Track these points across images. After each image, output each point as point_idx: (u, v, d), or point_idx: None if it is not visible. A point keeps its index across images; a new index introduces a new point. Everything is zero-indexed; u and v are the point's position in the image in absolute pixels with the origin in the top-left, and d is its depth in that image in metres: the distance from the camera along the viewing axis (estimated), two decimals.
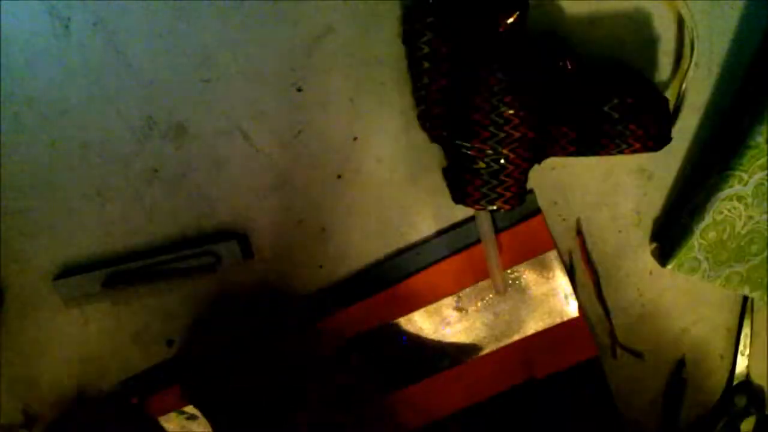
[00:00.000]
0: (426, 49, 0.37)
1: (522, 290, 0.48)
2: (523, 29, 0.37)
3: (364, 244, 0.46)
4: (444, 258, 0.46)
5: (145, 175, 0.42)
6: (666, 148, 0.44)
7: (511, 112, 0.37)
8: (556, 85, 0.38)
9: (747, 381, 0.53)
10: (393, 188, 0.44)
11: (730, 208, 0.42)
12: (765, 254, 0.44)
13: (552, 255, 0.46)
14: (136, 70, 0.39)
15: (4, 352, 0.46)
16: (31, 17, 0.37)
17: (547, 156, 0.40)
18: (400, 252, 0.46)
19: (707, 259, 0.44)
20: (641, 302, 0.49)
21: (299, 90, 0.41)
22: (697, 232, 0.43)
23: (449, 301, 0.47)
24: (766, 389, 0.54)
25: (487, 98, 0.37)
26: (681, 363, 0.52)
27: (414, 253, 0.46)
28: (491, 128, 0.37)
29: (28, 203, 0.42)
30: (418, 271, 0.46)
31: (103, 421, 0.47)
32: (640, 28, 0.41)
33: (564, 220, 0.46)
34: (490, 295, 0.47)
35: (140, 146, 0.41)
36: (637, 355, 0.51)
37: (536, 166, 0.42)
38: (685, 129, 0.44)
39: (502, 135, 0.37)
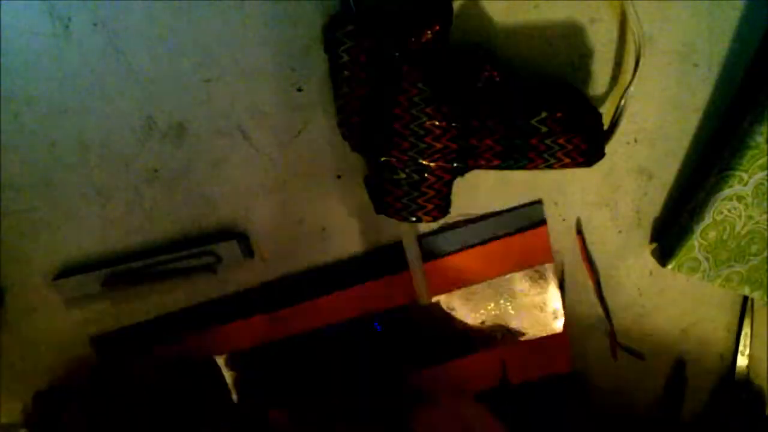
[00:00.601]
0: (345, 58, 0.37)
1: (513, 298, 0.48)
2: (446, 40, 0.36)
3: (364, 243, 0.46)
4: (440, 257, 0.46)
5: (145, 175, 0.42)
6: (666, 148, 0.44)
7: (433, 122, 0.36)
8: (482, 97, 0.37)
9: (747, 381, 0.53)
10: None
11: (730, 208, 0.42)
12: (765, 254, 0.44)
13: (549, 268, 0.47)
14: (136, 70, 0.39)
15: (4, 351, 0.46)
16: (31, 17, 0.37)
17: (470, 168, 0.39)
18: (395, 244, 0.45)
19: (707, 259, 0.44)
20: (641, 302, 0.49)
21: (299, 90, 0.41)
22: (697, 232, 0.43)
23: (440, 299, 0.47)
24: (766, 389, 0.54)
25: (407, 108, 0.36)
26: (681, 363, 0.52)
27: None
28: (411, 139, 0.37)
29: (28, 203, 0.42)
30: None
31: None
32: (583, 36, 0.40)
33: (564, 220, 0.46)
34: (477, 295, 0.47)
35: (140, 146, 0.41)
36: (638, 355, 0.51)
37: None
38: (685, 129, 0.44)
39: (423, 146, 0.37)
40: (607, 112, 0.41)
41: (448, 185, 0.39)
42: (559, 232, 0.46)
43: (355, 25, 0.36)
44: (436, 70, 0.36)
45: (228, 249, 0.43)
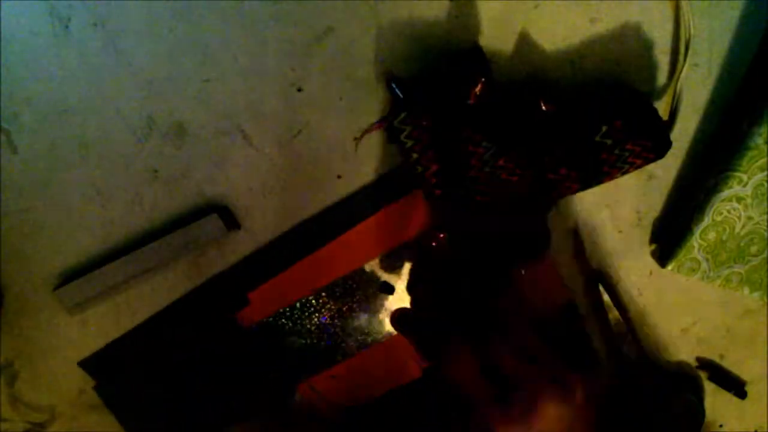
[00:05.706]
0: (410, 143, 0.38)
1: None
2: (493, 89, 0.38)
3: None
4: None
5: (145, 175, 0.42)
6: None
7: (508, 173, 0.38)
8: (543, 130, 0.38)
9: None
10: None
11: (730, 209, 0.42)
12: (765, 255, 0.44)
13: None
14: (136, 70, 0.39)
15: (4, 352, 0.46)
16: (31, 17, 0.37)
17: (555, 202, 0.41)
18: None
19: (707, 259, 0.44)
20: (641, 302, 0.49)
21: (299, 90, 0.41)
22: (697, 232, 0.43)
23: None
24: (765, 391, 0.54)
25: (481, 168, 0.38)
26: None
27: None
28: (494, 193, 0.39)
29: (28, 203, 0.42)
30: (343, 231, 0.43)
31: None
32: (634, 28, 0.40)
33: (564, 220, 0.46)
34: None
35: (140, 146, 0.41)
36: (635, 357, 0.51)
37: None
38: (685, 129, 0.44)
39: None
40: (666, 98, 0.42)
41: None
42: (559, 233, 0.46)
43: (407, 110, 0.38)
44: (492, 120, 0.38)
45: (210, 225, 0.42)
